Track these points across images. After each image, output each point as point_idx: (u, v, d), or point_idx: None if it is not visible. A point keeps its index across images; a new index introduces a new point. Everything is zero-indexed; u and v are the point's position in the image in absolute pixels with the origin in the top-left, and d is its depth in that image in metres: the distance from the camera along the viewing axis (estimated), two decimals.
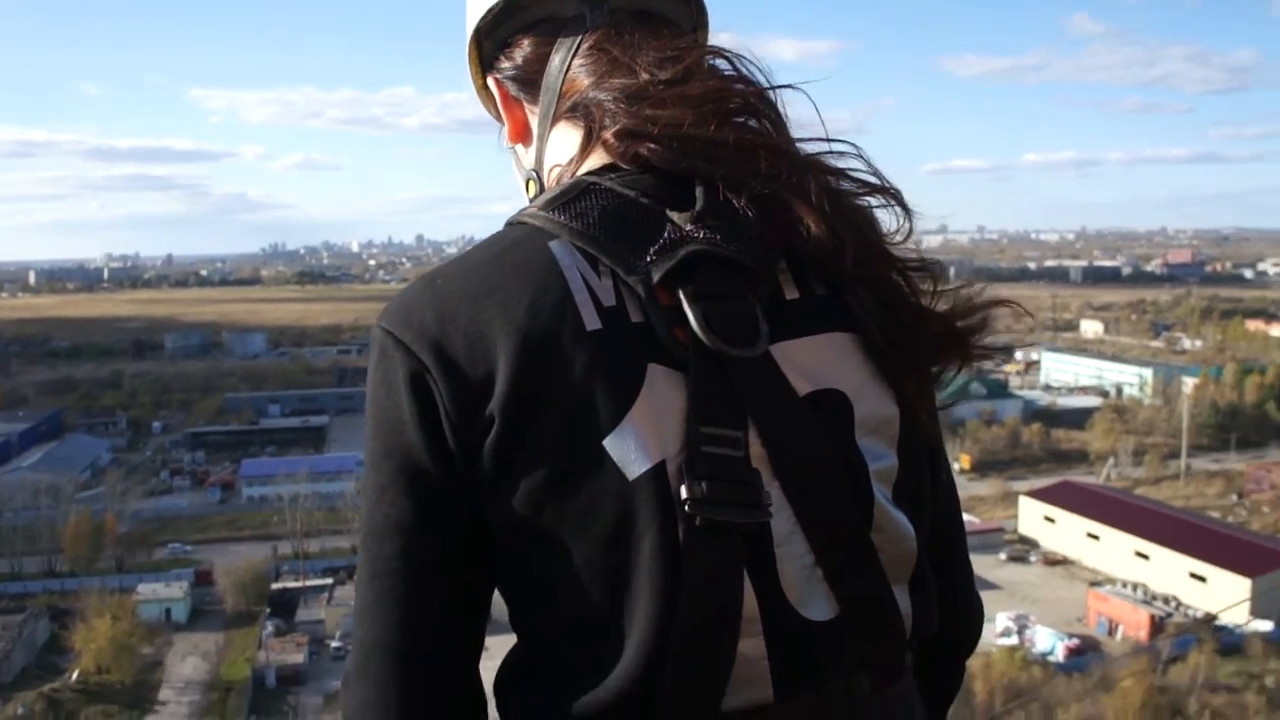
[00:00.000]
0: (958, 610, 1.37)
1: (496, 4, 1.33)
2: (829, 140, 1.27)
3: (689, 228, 1.16)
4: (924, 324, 1.24)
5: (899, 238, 1.27)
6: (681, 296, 1.13)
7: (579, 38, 1.29)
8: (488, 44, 1.38)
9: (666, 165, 1.20)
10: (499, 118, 1.42)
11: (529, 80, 1.34)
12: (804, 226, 1.18)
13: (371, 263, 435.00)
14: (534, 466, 1.11)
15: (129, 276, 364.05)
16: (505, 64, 1.36)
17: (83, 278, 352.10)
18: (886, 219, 1.28)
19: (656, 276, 1.13)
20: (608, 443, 1.10)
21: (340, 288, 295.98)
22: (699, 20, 1.40)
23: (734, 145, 1.20)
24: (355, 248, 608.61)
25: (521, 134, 1.38)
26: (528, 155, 1.38)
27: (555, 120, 1.31)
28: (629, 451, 1.10)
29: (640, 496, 1.10)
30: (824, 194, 1.21)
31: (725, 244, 1.15)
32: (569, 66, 1.29)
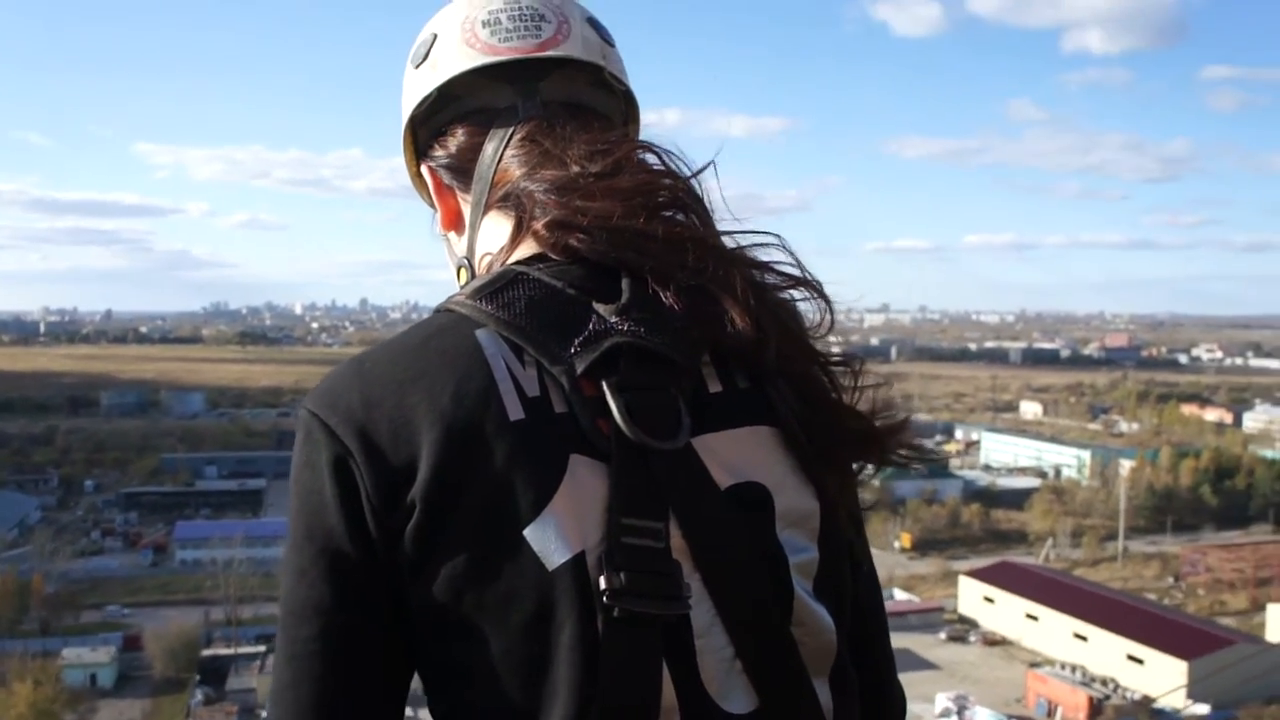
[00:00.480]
0: (881, 701, 1.36)
1: (431, 93, 1.37)
2: (754, 232, 1.29)
3: (614, 319, 1.17)
4: (843, 420, 1.25)
5: (821, 331, 1.29)
6: (605, 388, 1.14)
7: (511, 129, 1.32)
8: (422, 132, 1.41)
9: (595, 256, 1.22)
10: (432, 205, 1.45)
11: (462, 169, 1.36)
12: (729, 320, 1.20)
13: (314, 325, 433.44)
14: (454, 553, 1.12)
15: (66, 331, 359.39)
16: (439, 152, 1.39)
17: (18, 330, 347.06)
18: (810, 310, 1.30)
19: (580, 367, 1.14)
20: (528, 532, 1.10)
21: (282, 349, 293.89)
22: (630, 114, 1.44)
23: (662, 238, 1.21)
24: (299, 309, 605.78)
25: (454, 222, 1.41)
26: (460, 243, 1.40)
27: (487, 209, 1.33)
28: (549, 541, 1.10)
29: (559, 587, 1.10)
30: (749, 288, 1.22)
31: (649, 337, 1.16)
32: (501, 156, 1.31)
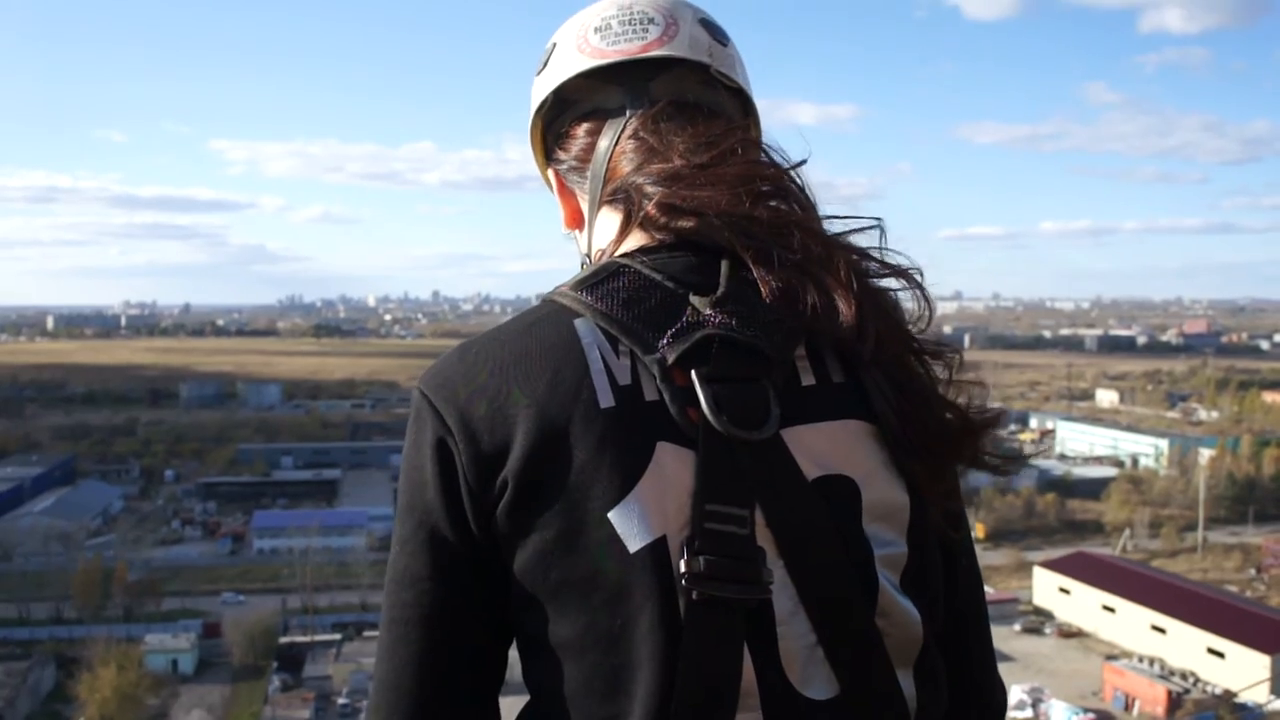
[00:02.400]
0: (977, 696, 1.39)
1: (547, 98, 1.45)
2: (855, 218, 1.35)
3: (708, 311, 1.22)
4: (938, 414, 1.28)
5: (920, 322, 1.32)
6: (694, 378, 1.19)
7: (621, 127, 1.38)
8: (548, 136, 1.49)
9: (702, 239, 1.28)
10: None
11: (579, 169, 1.43)
12: (831, 306, 1.24)
13: (387, 318, 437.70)
14: (542, 531, 1.18)
15: (146, 324, 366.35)
16: (560, 155, 1.46)
17: (100, 324, 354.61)
18: (908, 300, 1.34)
19: (671, 357, 1.19)
20: (612, 515, 1.16)
21: (356, 342, 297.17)
22: (747, 109, 1.48)
23: (767, 222, 1.27)
24: (371, 302, 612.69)
25: (575, 221, 1.48)
26: (581, 240, 1.47)
27: (601, 205, 1.40)
28: (632, 525, 1.16)
29: (640, 569, 1.16)
30: (852, 273, 1.27)
31: (741, 329, 1.21)
32: (611, 154, 1.38)
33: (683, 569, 1.14)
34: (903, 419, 1.25)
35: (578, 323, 1.25)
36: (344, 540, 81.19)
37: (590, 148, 1.41)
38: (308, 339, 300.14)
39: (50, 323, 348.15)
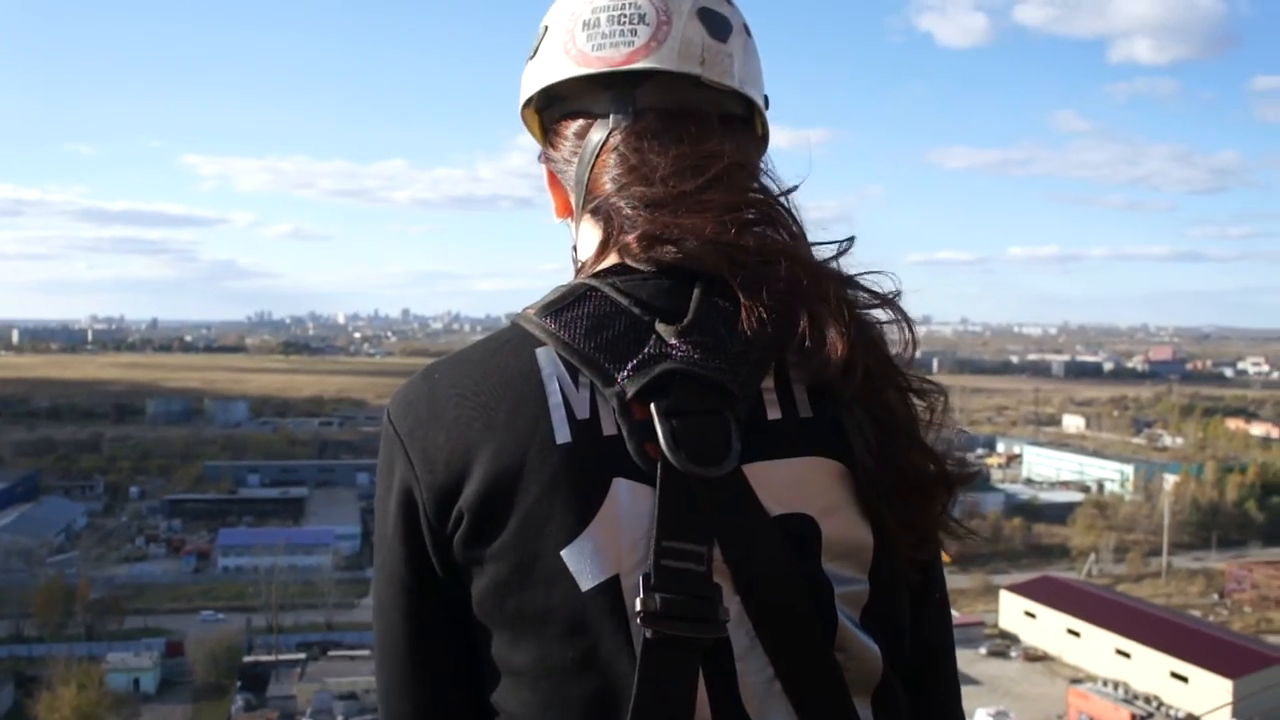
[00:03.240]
0: None
1: (534, 94, 1.40)
2: (837, 243, 1.32)
3: (673, 342, 1.18)
4: (917, 460, 1.25)
5: (905, 354, 1.29)
6: (653, 412, 1.15)
7: (604, 137, 1.33)
8: (544, 117, 1.44)
9: (689, 266, 1.24)
10: None
11: (566, 171, 1.39)
12: (821, 339, 1.20)
13: (357, 335, 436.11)
14: (496, 563, 1.18)
15: (113, 339, 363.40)
16: (550, 151, 1.42)
17: (66, 338, 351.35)
18: (891, 328, 1.30)
19: (631, 391, 1.16)
20: (565, 553, 1.14)
21: (325, 359, 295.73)
22: (751, 109, 1.39)
23: (754, 250, 1.23)
24: (341, 319, 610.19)
25: (565, 210, 1.44)
26: (570, 231, 1.44)
27: (582, 214, 1.36)
28: (584, 564, 1.14)
29: (593, 607, 1.14)
30: (843, 304, 1.23)
31: (704, 362, 1.17)
32: (593, 165, 1.33)
33: (638, 607, 1.12)
34: (880, 460, 1.21)
35: (539, 352, 1.22)
36: (310, 559, 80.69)
37: (576, 150, 1.36)
38: (276, 356, 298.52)
39: (15, 336, 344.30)
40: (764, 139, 1.41)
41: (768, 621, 1.16)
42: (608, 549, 1.15)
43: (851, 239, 1.32)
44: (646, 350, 1.18)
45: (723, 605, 1.14)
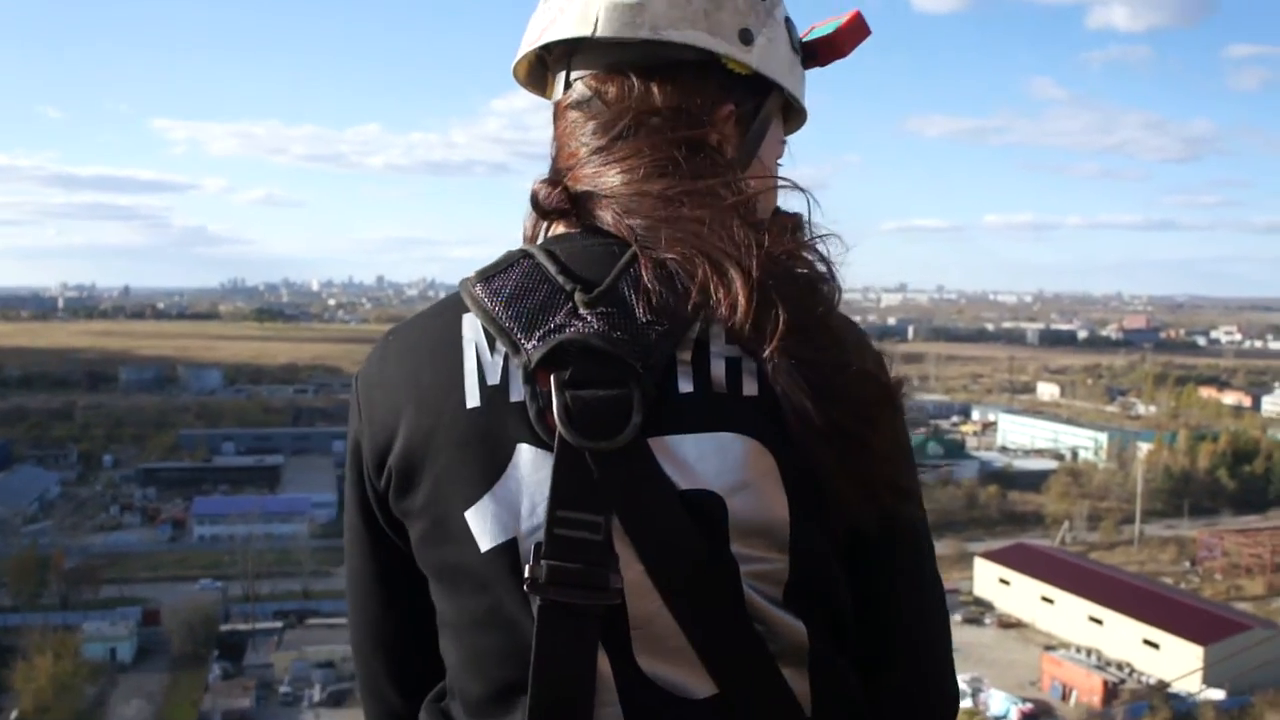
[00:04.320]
0: (913, 701, 1.33)
1: (517, 65, 1.45)
2: (778, 179, 1.34)
3: (583, 311, 1.19)
4: (853, 388, 1.21)
5: (832, 298, 1.25)
6: (552, 383, 1.17)
7: (555, 101, 1.39)
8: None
9: (607, 228, 1.26)
10: None
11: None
12: (725, 291, 1.19)
13: (331, 302, 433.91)
14: (417, 520, 1.25)
15: (85, 307, 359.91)
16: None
17: (37, 306, 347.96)
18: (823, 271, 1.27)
19: (533, 361, 1.18)
20: (468, 514, 1.20)
21: (299, 326, 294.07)
22: (708, 52, 1.32)
23: (656, 196, 1.24)
24: (315, 286, 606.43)
25: None
26: None
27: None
28: (485, 525, 1.19)
29: (493, 568, 1.19)
30: (751, 249, 1.21)
31: (607, 333, 1.17)
32: (554, 128, 1.39)
33: (526, 573, 1.16)
34: (815, 396, 1.17)
35: (465, 318, 1.26)
36: (286, 527, 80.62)
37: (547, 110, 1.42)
38: (250, 323, 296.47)
39: None
40: (748, 75, 1.35)
41: (674, 590, 1.17)
42: (507, 513, 1.18)
43: (788, 180, 1.34)
44: (555, 320, 1.20)
45: (617, 574, 1.15)
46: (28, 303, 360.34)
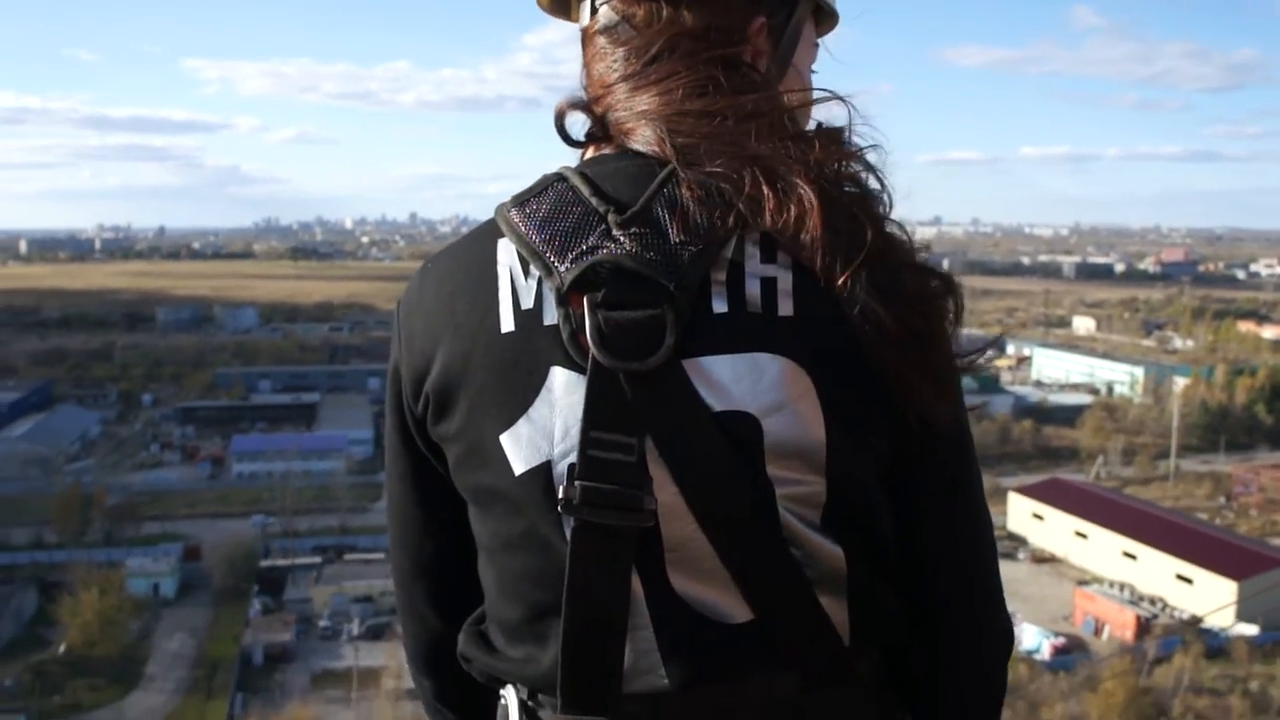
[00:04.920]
0: (965, 634, 1.31)
1: None
2: (821, 91, 1.33)
3: (616, 233, 1.19)
4: (914, 284, 1.21)
5: (889, 212, 1.25)
6: (585, 305, 1.17)
7: (583, 27, 1.37)
8: None
9: (646, 147, 1.24)
10: None
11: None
12: (760, 205, 1.18)
13: (365, 240, 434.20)
14: (453, 444, 1.27)
15: (121, 248, 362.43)
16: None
17: (74, 248, 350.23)
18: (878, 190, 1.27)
19: (566, 283, 1.17)
20: (503, 438, 1.20)
21: (333, 264, 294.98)
22: None
23: (697, 114, 1.23)
24: (349, 224, 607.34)
25: None
26: None
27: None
28: (519, 449, 1.20)
29: (526, 490, 1.20)
30: (797, 164, 1.21)
31: (640, 254, 1.16)
32: (583, 54, 1.37)
33: (560, 495, 1.16)
34: (883, 299, 1.17)
35: (500, 243, 1.25)
36: (323, 464, 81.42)
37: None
38: (284, 262, 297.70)
39: (23, 247, 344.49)
40: None
41: (710, 513, 1.16)
42: (541, 435, 1.19)
43: (837, 94, 1.30)
44: (588, 242, 1.19)
45: (651, 496, 1.15)
46: (65, 244, 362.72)
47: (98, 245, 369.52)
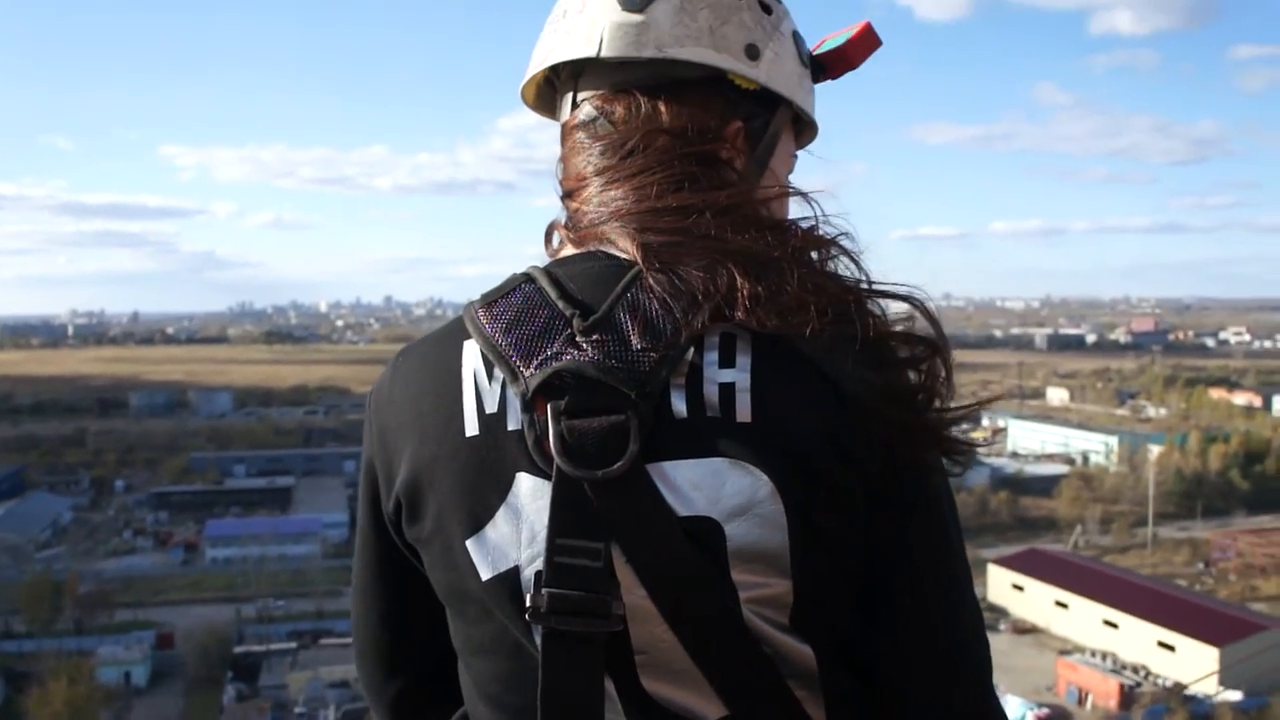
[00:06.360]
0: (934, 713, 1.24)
1: (525, 88, 1.46)
2: (797, 192, 1.34)
3: (580, 339, 1.18)
4: (885, 414, 1.18)
5: (869, 290, 1.25)
6: (548, 413, 1.16)
7: (561, 123, 1.40)
8: None
9: (618, 250, 1.25)
10: None
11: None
12: (733, 298, 1.18)
13: (340, 323, 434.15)
14: (426, 546, 1.27)
15: (94, 333, 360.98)
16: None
17: (47, 334, 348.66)
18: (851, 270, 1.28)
19: (530, 390, 1.17)
20: (469, 543, 1.21)
21: (308, 348, 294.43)
22: (715, 68, 1.32)
23: (675, 210, 1.23)
24: (323, 308, 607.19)
25: None
26: None
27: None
28: (485, 555, 1.20)
29: (495, 596, 1.20)
30: (784, 247, 1.23)
31: (602, 361, 1.16)
32: (561, 152, 1.39)
33: (528, 602, 1.15)
34: (875, 371, 1.18)
35: (466, 344, 1.25)
36: (299, 548, 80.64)
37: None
38: (259, 346, 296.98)
39: None
40: (756, 91, 1.34)
41: (678, 616, 1.16)
42: (507, 542, 1.19)
43: (801, 191, 1.34)
44: (552, 348, 1.19)
45: (619, 600, 1.15)
46: (38, 330, 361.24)
47: (71, 331, 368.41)
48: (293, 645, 64.09)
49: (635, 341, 1.17)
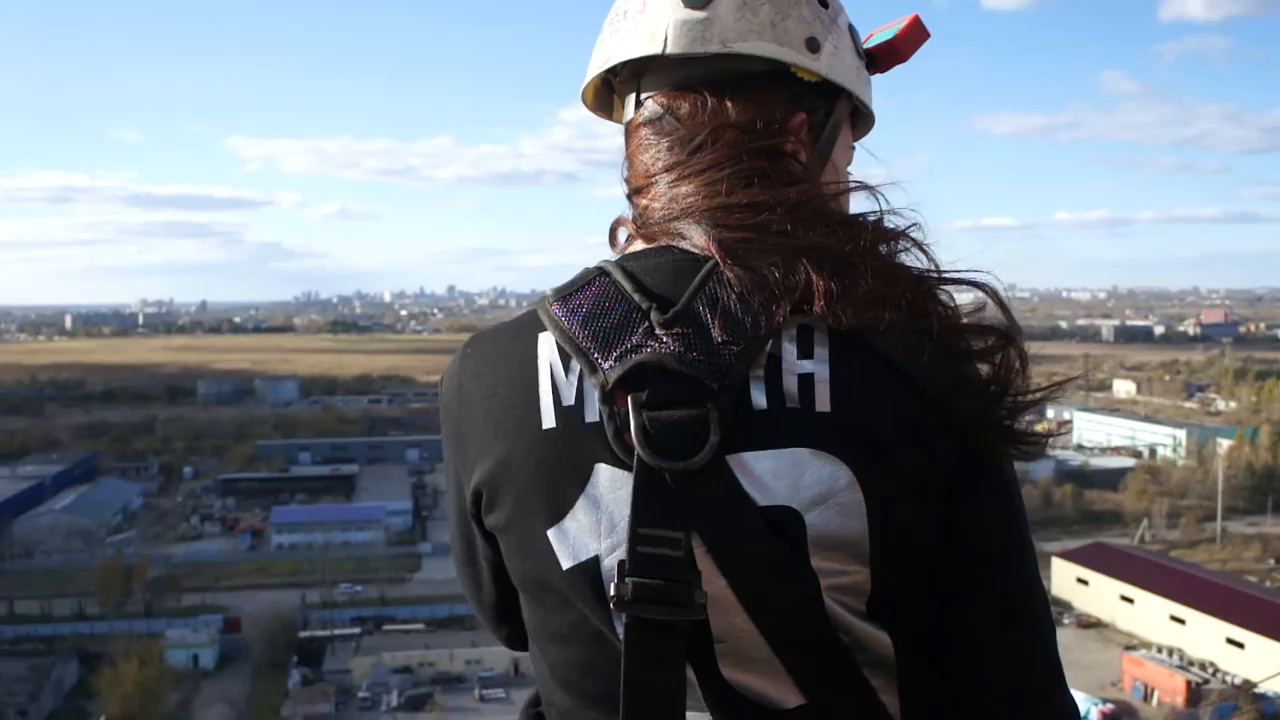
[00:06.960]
0: (1007, 709, 1.25)
1: (585, 89, 1.47)
2: (858, 186, 1.36)
3: (659, 331, 1.20)
4: (958, 406, 1.21)
5: (940, 282, 1.27)
6: (630, 404, 1.18)
7: (627, 121, 1.39)
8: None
9: (692, 245, 1.26)
10: None
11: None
12: (809, 293, 1.20)
13: (403, 313, 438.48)
14: (506, 535, 1.28)
15: (163, 322, 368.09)
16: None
17: (118, 323, 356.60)
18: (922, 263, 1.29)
19: (610, 382, 1.19)
20: (550, 533, 1.22)
21: (372, 337, 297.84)
22: (779, 63, 1.33)
23: (746, 206, 1.25)
24: (388, 298, 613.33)
25: None
26: None
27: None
28: (566, 545, 1.21)
29: (575, 585, 1.21)
30: (856, 243, 1.25)
31: (683, 353, 1.18)
32: (626, 147, 1.39)
33: (612, 591, 1.17)
34: (952, 364, 1.21)
35: (541, 337, 1.26)
36: (362, 534, 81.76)
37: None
38: (324, 335, 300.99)
39: (69, 322, 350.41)
40: (817, 83, 1.35)
41: (758, 604, 1.18)
42: (587, 532, 1.20)
43: (871, 186, 1.33)
44: (632, 340, 1.21)
45: (701, 589, 1.16)
46: (109, 319, 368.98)
47: (141, 320, 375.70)
48: (356, 631, 64.94)
49: (716, 334, 1.19)
